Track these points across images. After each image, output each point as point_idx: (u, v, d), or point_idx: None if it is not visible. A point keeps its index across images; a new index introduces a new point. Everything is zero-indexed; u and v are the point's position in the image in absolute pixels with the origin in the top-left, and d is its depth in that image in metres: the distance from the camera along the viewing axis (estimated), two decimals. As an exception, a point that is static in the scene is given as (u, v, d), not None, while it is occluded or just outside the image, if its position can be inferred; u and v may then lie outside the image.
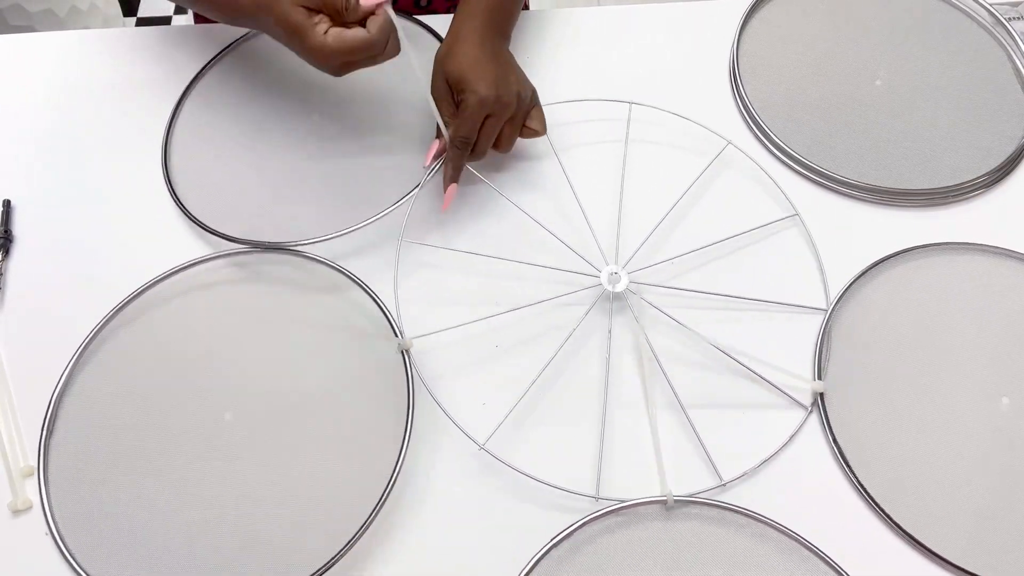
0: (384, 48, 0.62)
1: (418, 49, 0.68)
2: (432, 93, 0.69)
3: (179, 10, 2.01)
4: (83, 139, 0.79)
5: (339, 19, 0.61)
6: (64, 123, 0.80)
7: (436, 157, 0.71)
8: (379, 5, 0.60)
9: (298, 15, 0.61)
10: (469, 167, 0.72)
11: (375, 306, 0.67)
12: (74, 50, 0.85)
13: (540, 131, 0.72)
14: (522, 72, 0.72)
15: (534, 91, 0.72)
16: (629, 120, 0.78)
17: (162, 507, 0.61)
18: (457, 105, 0.68)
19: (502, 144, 0.71)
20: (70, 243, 0.73)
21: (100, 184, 0.76)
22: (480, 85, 0.66)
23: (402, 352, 0.65)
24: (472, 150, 0.69)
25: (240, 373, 0.66)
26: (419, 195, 0.72)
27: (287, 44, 0.64)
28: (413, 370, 0.64)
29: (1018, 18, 0.87)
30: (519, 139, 0.73)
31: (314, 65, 0.63)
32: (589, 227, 0.71)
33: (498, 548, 0.60)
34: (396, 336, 0.65)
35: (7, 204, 0.74)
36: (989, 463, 0.62)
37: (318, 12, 0.61)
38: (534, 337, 0.67)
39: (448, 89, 0.69)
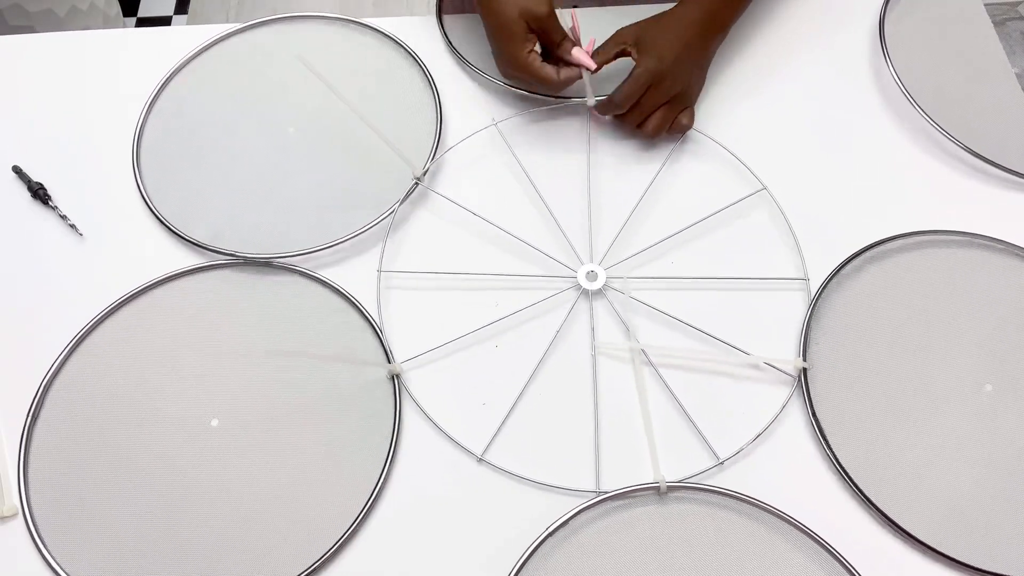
0: (559, 91, 0.74)
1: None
2: (617, 31, 0.73)
3: (179, 10, 2.01)
4: (84, 139, 0.79)
5: (548, 48, 0.72)
6: (64, 123, 0.80)
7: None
8: (583, 67, 0.72)
9: (518, 27, 0.70)
10: (439, 193, 0.74)
11: (367, 324, 0.68)
12: (74, 50, 0.85)
13: (688, 126, 0.75)
14: (704, 72, 0.76)
15: (698, 93, 0.76)
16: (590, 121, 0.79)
17: (146, 511, 0.61)
18: (614, 57, 0.73)
19: (649, 125, 0.74)
20: (69, 243, 0.73)
21: (100, 184, 0.76)
22: (655, 58, 0.70)
23: (392, 377, 0.65)
24: (625, 115, 0.74)
25: (228, 381, 0.66)
26: (399, 211, 0.73)
27: (489, 33, 0.72)
28: (401, 394, 0.65)
29: (1018, 18, 0.87)
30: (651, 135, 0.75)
31: (499, 63, 0.74)
32: (560, 230, 0.73)
33: (496, 543, 0.60)
34: (388, 360, 0.66)
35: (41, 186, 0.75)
36: (970, 449, 0.63)
37: (533, 32, 0.71)
38: (523, 341, 0.68)
39: (631, 40, 0.72)
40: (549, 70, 0.71)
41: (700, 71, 0.76)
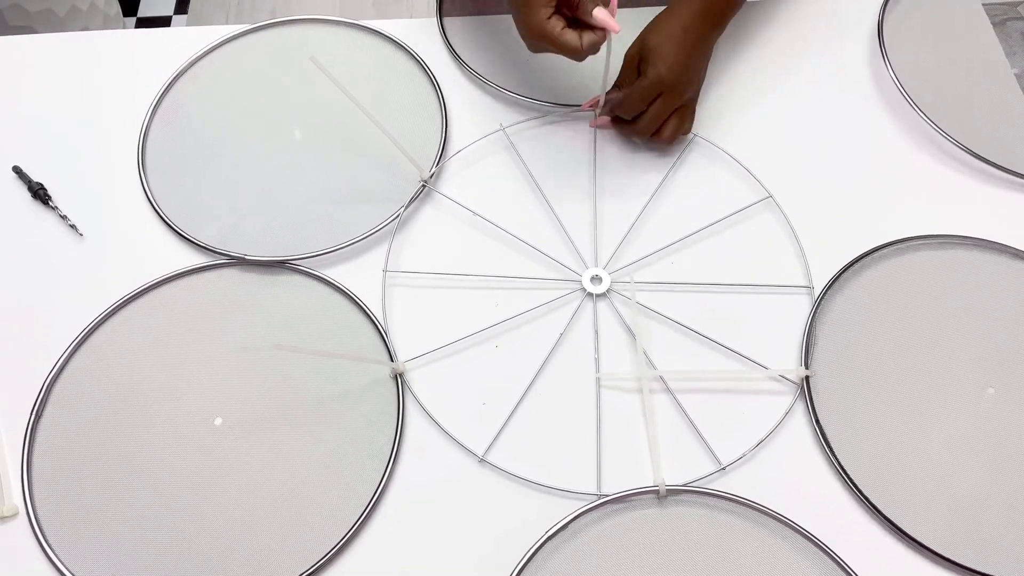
0: (583, 58, 0.67)
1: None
2: (625, 55, 0.73)
3: (179, 10, 2.01)
4: (85, 139, 0.79)
5: (568, 9, 0.66)
6: (66, 123, 0.80)
7: (592, 106, 0.76)
8: (607, 29, 0.65)
9: None
10: (446, 196, 0.74)
11: (371, 324, 0.68)
12: (74, 50, 0.85)
13: (688, 129, 0.76)
14: (706, 70, 0.75)
15: (698, 91, 0.75)
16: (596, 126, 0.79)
17: (148, 509, 0.61)
18: (638, 75, 0.72)
19: (664, 132, 0.74)
20: (69, 243, 0.73)
21: (101, 185, 0.76)
22: (663, 66, 0.69)
23: (396, 376, 0.65)
24: (635, 122, 0.73)
25: (232, 380, 0.66)
26: (404, 216, 0.73)
27: (510, 3, 0.68)
28: (404, 393, 0.65)
29: (1017, 18, 0.87)
30: None
31: (520, 32, 0.68)
32: (565, 233, 0.73)
33: (495, 543, 0.60)
34: (391, 360, 0.66)
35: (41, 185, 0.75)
36: (973, 453, 0.63)
37: None
38: (526, 343, 0.68)
39: (637, 57, 0.72)
40: (570, 36, 0.65)
41: (704, 70, 0.75)
